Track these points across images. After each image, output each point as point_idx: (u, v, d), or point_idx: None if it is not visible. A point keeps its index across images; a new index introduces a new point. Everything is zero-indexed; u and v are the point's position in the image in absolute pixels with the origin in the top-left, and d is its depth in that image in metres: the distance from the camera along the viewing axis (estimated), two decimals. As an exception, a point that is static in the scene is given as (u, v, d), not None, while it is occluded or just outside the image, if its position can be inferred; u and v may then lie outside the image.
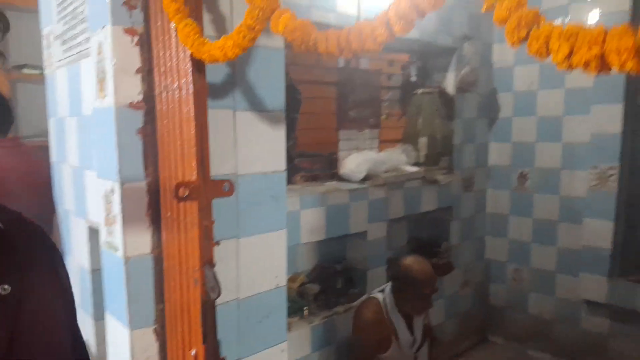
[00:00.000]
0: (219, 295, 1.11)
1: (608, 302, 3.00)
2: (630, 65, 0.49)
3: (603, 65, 0.51)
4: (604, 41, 0.50)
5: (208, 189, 1.13)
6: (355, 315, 2.48)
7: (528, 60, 3.38)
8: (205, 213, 1.13)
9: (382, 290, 2.49)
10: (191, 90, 1.10)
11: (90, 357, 0.72)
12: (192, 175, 1.11)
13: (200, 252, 1.12)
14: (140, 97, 1.26)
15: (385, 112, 3.40)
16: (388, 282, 2.68)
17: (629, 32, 0.48)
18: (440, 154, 3.23)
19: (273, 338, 1.55)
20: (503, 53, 3.52)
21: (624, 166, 2.96)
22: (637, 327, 2.97)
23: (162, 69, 1.20)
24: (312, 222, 2.53)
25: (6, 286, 0.57)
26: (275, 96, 1.54)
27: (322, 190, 2.63)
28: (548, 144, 3.33)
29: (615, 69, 0.51)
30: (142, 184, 1.27)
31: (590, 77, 3.03)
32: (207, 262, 1.14)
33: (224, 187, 1.17)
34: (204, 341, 1.12)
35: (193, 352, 1.15)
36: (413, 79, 3.50)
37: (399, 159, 3.09)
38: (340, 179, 2.93)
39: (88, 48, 1.45)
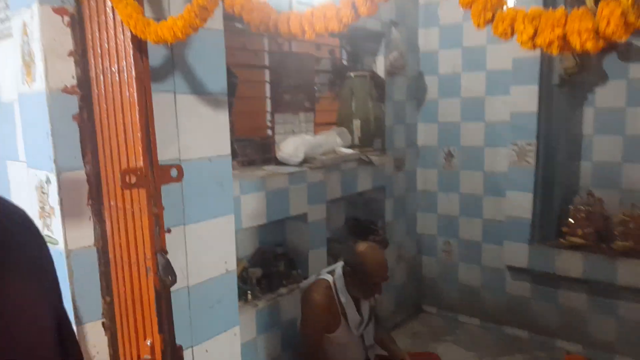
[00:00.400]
0: (174, 282, 1.10)
1: (529, 267, 3.27)
2: (589, 45, 0.54)
3: (564, 45, 0.57)
4: (565, 23, 0.55)
5: (156, 175, 1.10)
6: (304, 296, 2.51)
7: (451, 45, 3.54)
8: (155, 200, 1.10)
9: (331, 272, 2.53)
10: (133, 73, 1.06)
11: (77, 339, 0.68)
12: (139, 162, 1.08)
13: (152, 241, 1.09)
14: (75, 82, 1.19)
15: (319, 95, 3.42)
16: (332, 263, 2.75)
17: (588, 15, 0.54)
18: (373, 136, 3.32)
19: (225, 322, 1.55)
20: (428, 38, 3.66)
21: (540, 142, 3.21)
22: (554, 288, 3.27)
23: (99, 51, 1.14)
24: (252, 207, 2.52)
25: None
26: (216, 79, 1.52)
27: (262, 175, 2.62)
28: (472, 123, 3.53)
29: (576, 49, 0.56)
30: (81, 173, 1.21)
31: (509, 60, 3.25)
32: (160, 250, 1.11)
33: (172, 173, 1.15)
34: (160, 330, 1.10)
35: (149, 342, 1.13)
36: (344, 62, 3.55)
37: (334, 141, 3.14)
38: (278, 162, 2.93)
39: (9, 28, 1.34)
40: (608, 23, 0.58)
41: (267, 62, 3.07)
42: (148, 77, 1.07)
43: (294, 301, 2.67)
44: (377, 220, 3.50)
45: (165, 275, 1.11)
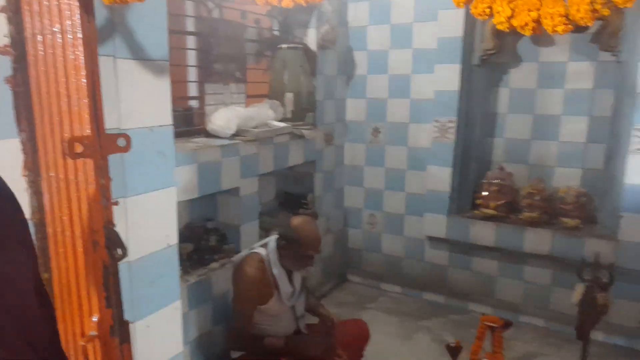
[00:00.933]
0: (124, 255, 1.05)
1: (447, 237, 3.51)
2: (559, 28, 0.60)
3: (537, 27, 0.61)
4: (540, 7, 0.60)
5: (104, 145, 1.04)
6: (236, 270, 2.51)
7: (380, 21, 3.61)
8: (103, 170, 1.04)
9: (264, 246, 2.55)
10: (80, 35, 0.97)
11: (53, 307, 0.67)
12: (85, 130, 1.00)
13: (100, 213, 1.04)
14: (7, 41, 1.07)
15: (249, 66, 3.35)
16: (264, 237, 2.76)
17: (561, 1, 0.58)
18: (305, 110, 3.33)
19: (167, 297, 1.52)
20: (358, 12, 3.70)
21: (460, 119, 3.41)
22: (469, 255, 3.54)
23: (36, 9, 1.03)
24: (183, 180, 2.44)
25: None
26: (158, 43, 1.44)
27: (193, 147, 2.54)
28: (398, 100, 3.66)
29: (547, 31, 0.61)
30: (16, 142, 1.10)
31: (434, 39, 3.38)
32: (108, 222, 1.06)
33: (120, 142, 1.08)
34: (108, 305, 1.06)
35: (95, 317, 1.08)
36: (275, 33, 3.49)
37: (266, 114, 3.11)
38: (209, 135, 2.86)
39: None
40: (578, 9, 0.63)
41: (194, 29, 2.94)
42: (95, 39, 0.99)
43: (225, 275, 2.65)
44: (307, 193, 3.55)
45: (115, 249, 1.06)
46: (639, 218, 2.91)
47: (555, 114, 3.39)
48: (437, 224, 3.52)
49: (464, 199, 3.57)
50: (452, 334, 3.18)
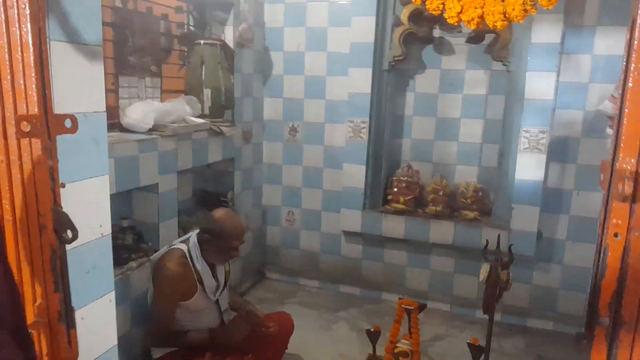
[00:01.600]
0: (75, 237, 1.02)
1: (361, 231, 3.69)
2: (498, 24, 0.72)
3: (480, 22, 0.73)
4: (484, 5, 0.72)
5: (52, 125, 1.00)
6: (156, 267, 2.45)
7: (296, 23, 3.72)
8: (51, 151, 1.00)
9: (185, 241, 2.51)
10: (27, 11, 0.93)
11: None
12: (33, 109, 0.96)
13: (48, 196, 0.99)
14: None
15: (166, 60, 3.27)
16: (184, 234, 2.71)
17: (500, 1, 0.70)
18: (223, 107, 3.32)
19: (101, 288, 1.46)
20: (274, 14, 3.77)
21: (372, 120, 3.61)
22: (382, 248, 3.75)
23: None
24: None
25: None
26: (92, 28, 1.39)
27: (109, 141, 2.43)
28: (314, 100, 3.78)
29: (489, 25, 0.73)
30: (-57, 120, 1.01)
31: (347, 44, 3.56)
32: (55, 205, 1.01)
33: (67, 123, 1.05)
34: (57, 289, 1.01)
35: (38, 302, 1.02)
36: (191, 28, 3.44)
37: (184, 109, 3.06)
38: (123, 129, 2.75)
39: None
40: (513, 8, 0.76)
41: (112, 19, 2.82)
42: (44, 16, 0.95)
43: (144, 275, 2.57)
44: (226, 191, 3.53)
45: (64, 231, 1.02)
46: (526, 209, 3.31)
47: (455, 117, 3.73)
48: (352, 218, 3.69)
49: (377, 195, 3.79)
50: (368, 323, 3.35)
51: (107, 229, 1.50)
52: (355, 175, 3.66)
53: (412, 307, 2.61)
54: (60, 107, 1.30)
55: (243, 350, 2.50)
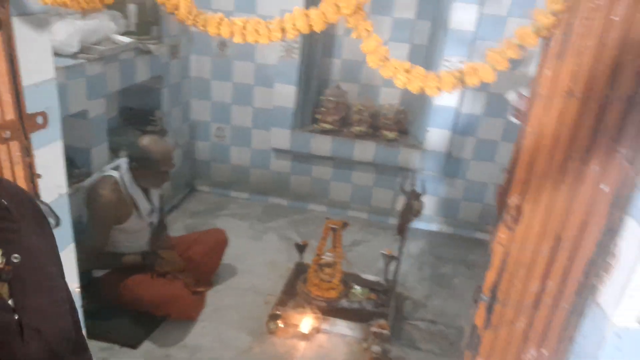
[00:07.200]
0: (58, 224, 1.12)
1: (291, 149, 3.89)
2: (430, 93, 0.88)
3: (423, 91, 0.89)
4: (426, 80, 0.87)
5: (27, 126, 1.04)
6: (90, 194, 2.52)
7: None
8: (28, 150, 1.05)
9: (116, 168, 2.58)
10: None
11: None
12: (9, 114, 0.99)
13: (27, 189, 1.07)
14: None
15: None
16: (113, 157, 2.76)
17: (434, 76, 0.86)
18: (150, 23, 3.16)
19: (62, 242, 1.57)
20: None
21: (304, 39, 3.62)
22: (309, 164, 4.01)
23: None
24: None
25: (17, 255, 0.60)
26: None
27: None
28: (244, 15, 3.67)
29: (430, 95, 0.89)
30: None
31: None
32: (36, 196, 1.09)
33: (38, 120, 1.09)
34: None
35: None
36: None
37: (108, 27, 2.89)
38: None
39: None
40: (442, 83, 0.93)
41: None
42: (10, 23, 0.94)
43: (78, 200, 2.63)
44: (153, 109, 3.49)
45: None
46: (439, 132, 3.66)
47: (385, 40, 3.83)
48: (282, 137, 3.86)
49: (306, 114, 3.94)
50: (296, 232, 3.71)
51: (64, 188, 1.57)
52: (285, 94, 3.74)
53: (337, 226, 2.95)
54: (9, 83, 1.29)
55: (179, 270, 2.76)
